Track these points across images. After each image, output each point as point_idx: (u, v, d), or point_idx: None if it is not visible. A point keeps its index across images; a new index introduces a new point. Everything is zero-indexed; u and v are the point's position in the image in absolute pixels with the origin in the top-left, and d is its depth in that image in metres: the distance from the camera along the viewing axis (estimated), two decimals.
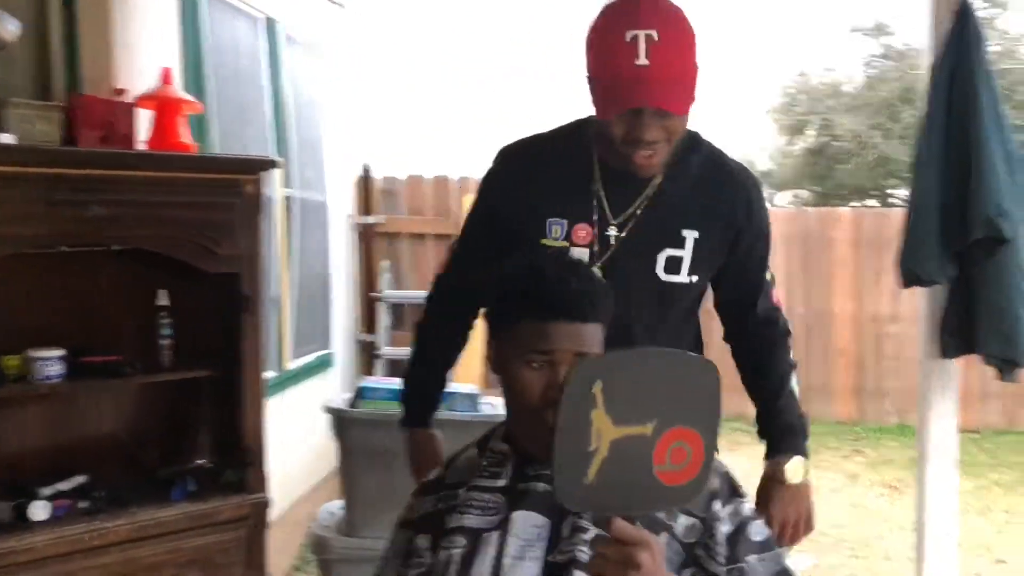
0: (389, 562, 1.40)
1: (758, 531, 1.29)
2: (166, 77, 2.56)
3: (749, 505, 1.31)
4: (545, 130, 1.73)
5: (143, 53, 2.82)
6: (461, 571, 1.24)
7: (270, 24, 3.93)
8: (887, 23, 17.54)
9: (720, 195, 1.63)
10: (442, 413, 2.70)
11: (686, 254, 1.60)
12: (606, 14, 1.50)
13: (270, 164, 2.62)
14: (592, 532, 1.21)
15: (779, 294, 1.77)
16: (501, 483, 1.30)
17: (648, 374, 1.03)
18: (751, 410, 1.77)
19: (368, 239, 5.34)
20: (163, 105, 2.52)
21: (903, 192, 19.00)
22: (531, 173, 1.66)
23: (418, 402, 1.93)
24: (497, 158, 1.72)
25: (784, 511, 1.67)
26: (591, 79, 1.52)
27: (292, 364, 4.13)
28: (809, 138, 18.81)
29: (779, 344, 1.74)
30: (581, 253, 1.59)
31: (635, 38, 1.43)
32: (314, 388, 4.53)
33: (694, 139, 1.65)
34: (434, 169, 5.50)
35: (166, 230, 2.34)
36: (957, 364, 2.57)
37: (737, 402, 1.73)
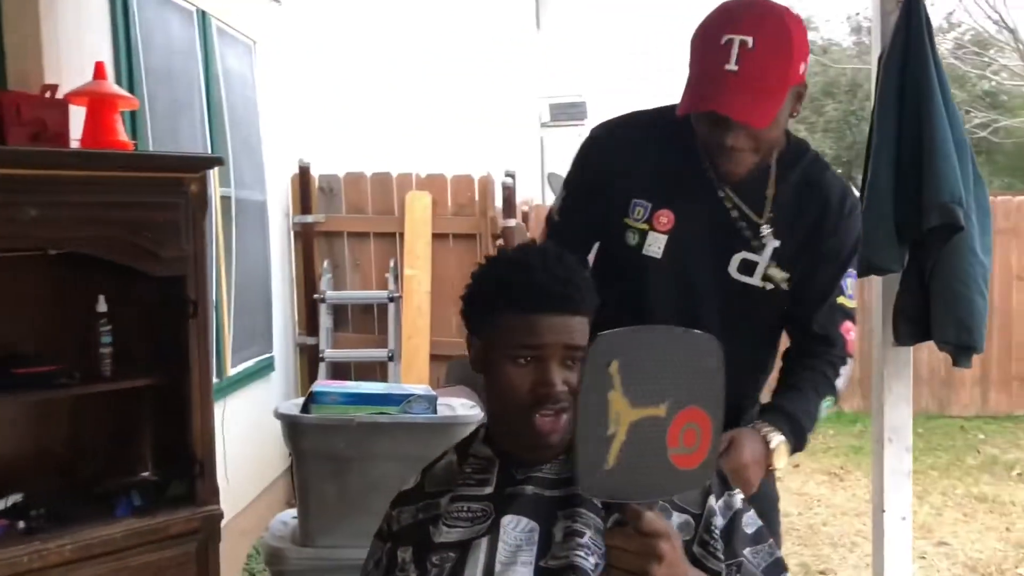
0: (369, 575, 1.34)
1: (750, 522, 1.26)
2: (99, 71, 2.44)
3: (740, 496, 1.28)
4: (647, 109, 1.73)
5: (73, 47, 2.68)
6: None
7: (203, 17, 3.79)
8: (809, 18, 18.02)
9: (815, 209, 1.61)
10: (398, 416, 2.65)
11: (762, 260, 1.60)
12: (714, 13, 1.50)
13: (215, 162, 2.52)
14: (588, 536, 1.17)
15: (854, 338, 1.69)
16: (488, 490, 1.24)
17: (659, 352, 0.99)
18: None
19: (307, 239, 5.21)
20: (97, 101, 2.39)
21: None
22: (628, 155, 1.64)
23: None
24: (598, 128, 1.71)
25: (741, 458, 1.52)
26: (688, 75, 1.51)
27: (233, 370, 4.00)
28: None
29: (826, 363, 1.65)
30: (658, 238, 1.59)
31: (730, 42, 1.42)
32: (256, 394, 4.41)
33: (799, 147, 1.65)
34: (375, 166, 5.39)
35: (105, 232, 2.23)
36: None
37: None
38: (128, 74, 3.05)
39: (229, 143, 4.05)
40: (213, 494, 2.43)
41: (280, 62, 4.99)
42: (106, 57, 2.88)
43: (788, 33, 1.46)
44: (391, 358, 5.06)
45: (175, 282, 2.35)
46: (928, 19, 2.41)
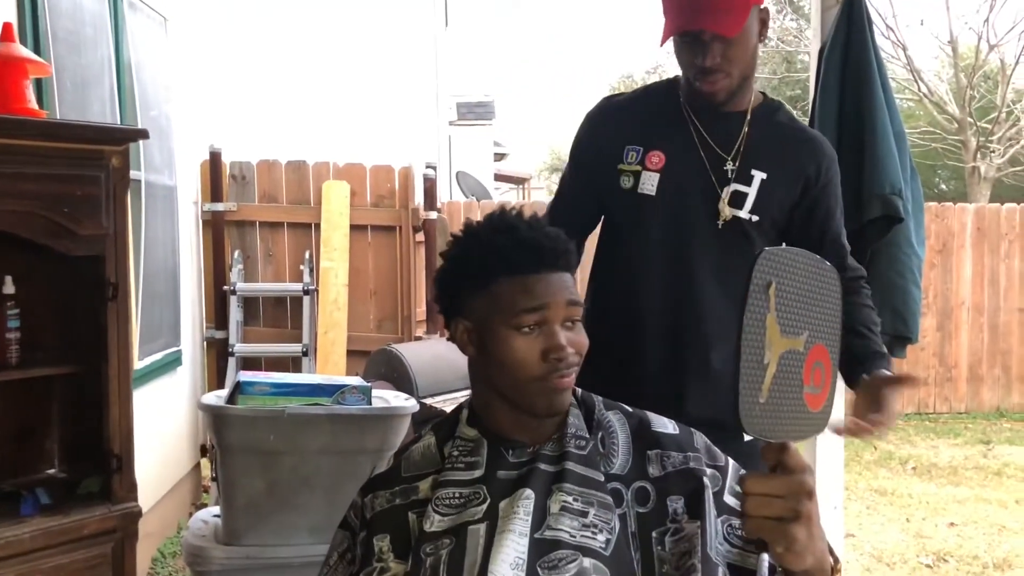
0: (335, 570, 1.24)
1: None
2: (7, 33, 2.24)
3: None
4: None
5: None
6: (451, 568, 1.10)
7: None
8: None
9: (798, 152, 1.74)
10: (332, 408, 2.54)
11: (751, 192, 1.69)
12: None
13: (139, 134, 2.37)
14: (592, 514, 1.11)
15: None
16: (477, 473, 1.17)
17: (803, 279, 0.92)
18: None
19: (217, 228, 4.99)
20: (6, 65, 2.19)
21: None
22: (621, 116, 1.80)
23: None
24: (600, 101, 1.87)
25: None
26: (663, 3, 1.67)
27: (140, 364, 3.78)
28: None
29: (856, 291, 1.79)
30: (651, 177, 1.71)
31: None
32: (162, 390, 4.18)
33: (775, 101, 1.82)
34: (290, 153, 5.20)
35: (16, 206, 2.04)
36: None
37: None
38: (34, 40, 2.83)
39: (140, 122, 3.83)
40: (131, 490, 2.27)
41: (193, 41, 4.77)
42: (10, 19, 2.66)
43: None
44: (305, 353, 4.89)
45: (93, 262, 2.18)
46: (868, 13, 2.45)
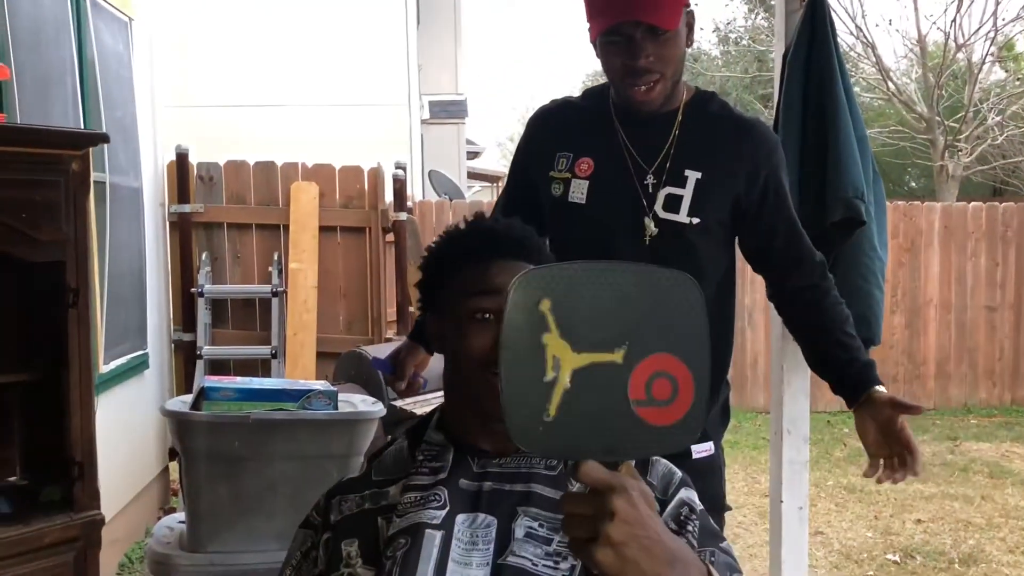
0: (299, 569, 1.22)
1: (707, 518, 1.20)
2: None
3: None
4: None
5: None
6: (403, 571, 1.09)
7: None
8: None
9: (735, 141, 1.68)
10: (297, 413, 2.52)
11: (687, 193, 1.64)
12: None
13: (99, 139, 2.34)
14: (556, 542, 1.09)
15: None
16: (441, 477, 1.16)
17: (610, 291, 0.86)
18: None
19: (184, 229, 4.94)
20: None
21: None
22: (555, 122, 1.78)
23: None
24: (531, 117, 1.86)
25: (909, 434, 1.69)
26: (586, 6, 1.61)
27: (105, 368, 3.74)
28: None
29: (825, 293, 1.81)
30: (580, 184, 1.67)
31: None
32: (129, 394, 4.14)
33: (707, 93, 1.76)
34: (257, 155, 5.16)
35: None
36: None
37: None
38: None
39: (104, 124, 3.79)
40: (93, 498, 2.25)
41: (158, 41, 4.72)
42: None
43: None
44: (274, 355, 4.86)
45: (53, 268, 2.16)
46: (831, 17, 2.47)
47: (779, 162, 1.74)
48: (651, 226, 1.64)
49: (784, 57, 2.53)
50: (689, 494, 1.18)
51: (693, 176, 1.65)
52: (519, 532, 1.10)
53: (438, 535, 1.10)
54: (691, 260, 1.64)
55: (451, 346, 1.18)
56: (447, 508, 1.13)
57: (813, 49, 2.43)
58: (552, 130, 1.77)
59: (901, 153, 13.15)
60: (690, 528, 1.14)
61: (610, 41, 1.60)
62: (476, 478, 1.16)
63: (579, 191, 1.68)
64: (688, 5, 1.64)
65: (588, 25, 1.64)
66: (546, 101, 1.86)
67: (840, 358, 1.74)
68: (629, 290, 0.87)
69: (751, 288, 7.28)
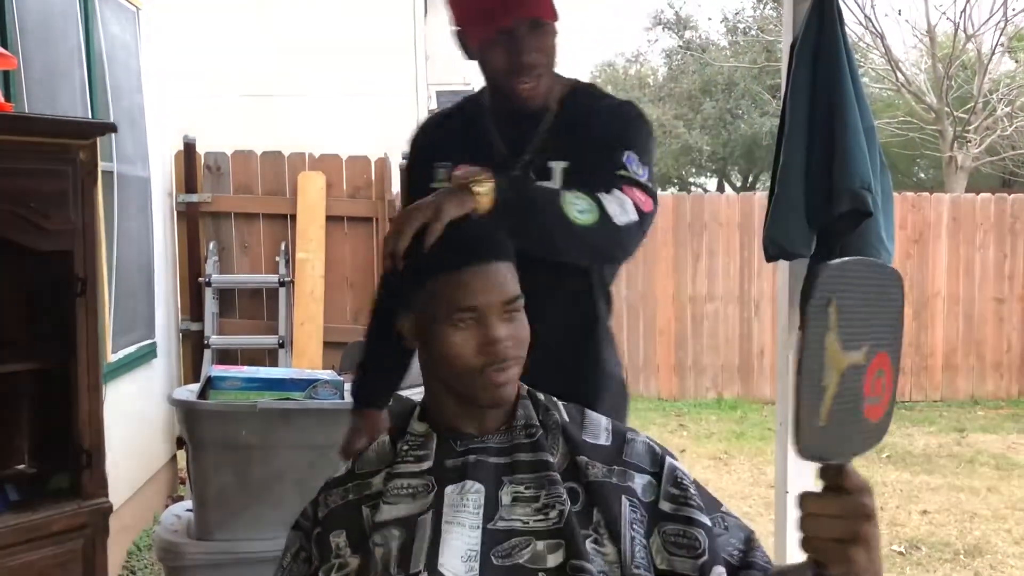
0: (290, 571, 1.24)
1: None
2: None
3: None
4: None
5: None
6: (401, 561, 1.11)
7: None
8: (688, 17, 18.51)
9: (604, 123, 1.63)
10: (304, 402, 2.53)
11: (555, 184, 1.59)
12: None
13: (107, 128, 2.35)
14: (544, 495, 1.13)
15: (642, 199, 1.56)
16: (427, 465, 1.19)
17: (861, 289, 0.86)
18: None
19: (192, 219, 4.95)
20: None
21: (702, 179, 20.19)
22: (435, 137, 1.77)
23: (373, 380, 1.90)
24: (413, 134, 1.83)
25: None
26: (460, 14, 1.58)
27: (113, 357, 3.76)
28: None
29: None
30: None
31: None
32: (137, 383, 4.16)
33: (584, 85, 1.73)
34: (265, 144, 5.17)
35: None
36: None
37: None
38: (1, 34, 2.80)
39: (111, 114, 3.80)
40: (101, 486, 2.26)
41: (166, 31, 4.72)
42: None
43: None
44: (281, 345, 4.88)
45: (61, 257, 2.17)
46: (839, 7, 2.45)
47: (643, 138, 1.65)
48: None
49: (792, 47, 2.52)
50: (677, 463, 1.23)
51: (559, 167, 1.61)
52: (506, 499, 1.14)
53: (429, 515, 1.13)
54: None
55: (437, 347, 1.19)
56: (434, 490, 1.15)
57: (821, 39, 2.42)
58: (432, 144, 1.76)
59: (910, 144, 13.09)
60: (693, 494, 1.18)
61: (494, 42, 1.58)
62: (460, 455, 1.19)
63: None
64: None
65: (459, 29, 1.61)
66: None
67: None
68: (873, 289, 0.87)
69: (757, 279, 7.27)
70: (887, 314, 0.89)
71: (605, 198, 1.47)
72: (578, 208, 1.43)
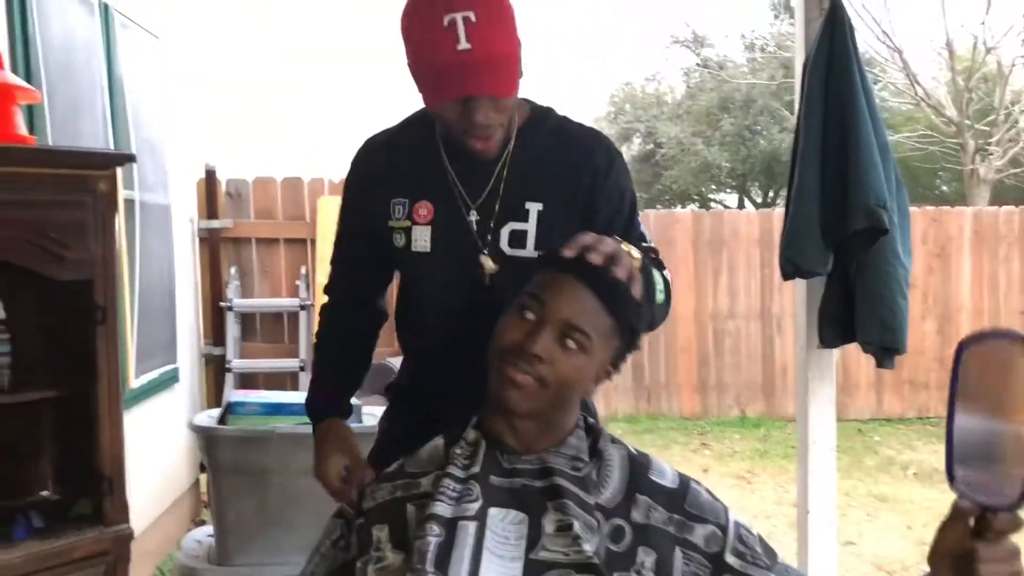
0: (326, 557, 1.28)
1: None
2: None
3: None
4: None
5: None
6: (439, 562, 1.13)
7: (106, 10, 3.60)
8: (705, 35, 18.55)
9: (567, 163, 1.56)
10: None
11: (530, 227, 1.54)
12: (417, 2, 1.44)
13: (126, 159, 2.39)
14: (577, 528, 1.13)
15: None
16: (475, 470, 1.21)
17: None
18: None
19: (213, 245, 5.01)
20: None
21: (722, 196, 20.14)
22: (383, 162, 1.63)
23: (325, 391, 1.80)
24: (355, 155, 1.69)
25: None
26: (414, 69, 1.46)
27: (136, 382, 3.79)
28: (635, 146, 19.59)
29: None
30: (422, 232, 1.56)
31: (453, 22, 1.37)
32: (160, 407, 4.20)
33: (543, 112, 1.63)
34: (284, 170, 5.24)
35: (5, 233, 2.06)
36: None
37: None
38: (25, 67, 2.86)
39: (133, 143, 3.86)
40: (122, 512, 2.27)
41: (186, 60, 4.79)
42: (1, 48, 2.69)
43: None
44: (303, 368, 4.90)
45: (81, 286, 2.20)
46: (851, 25, 2.46)
47: (614, 170, 1.60)
48: (488, 263, 1.55)
49: (804, 66, 2.53)
50: (740, 519, 1.25)
51: (535, 208, 1.55)
52: (548, 527, 1.16)
53: (472, 525, 1.15)
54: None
55: (498, 322, 1.25)
56: (480, 502, 1.18)
57: (833, 57, 2.43)
58: (381, 176, 1.62)
59: (931, 158, 13.00)
60: (759, 552, 1.20)
61: (458, 106, 1.47)
62: (506, 474, 1.21)
63: (422, 239, 1.57)
64: (519, 41, 1.49)
65: (418, 89, 1.50)
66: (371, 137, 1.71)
67: None
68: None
69: (779, 295, 7.23)
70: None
71: (668, 277, 1.50)
72: (659, 287, 1.45)
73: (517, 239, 1.54)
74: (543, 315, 1.19)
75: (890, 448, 6.46)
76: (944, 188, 17.11)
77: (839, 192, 2.37)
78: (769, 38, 17.11)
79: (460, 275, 1.56)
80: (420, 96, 1.49)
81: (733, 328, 7.41)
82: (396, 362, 3.77)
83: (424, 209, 1.56)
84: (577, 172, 1.56)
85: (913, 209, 7.43)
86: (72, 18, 3.34)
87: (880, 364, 2.51)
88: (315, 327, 5.07)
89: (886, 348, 2.45)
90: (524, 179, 1.55)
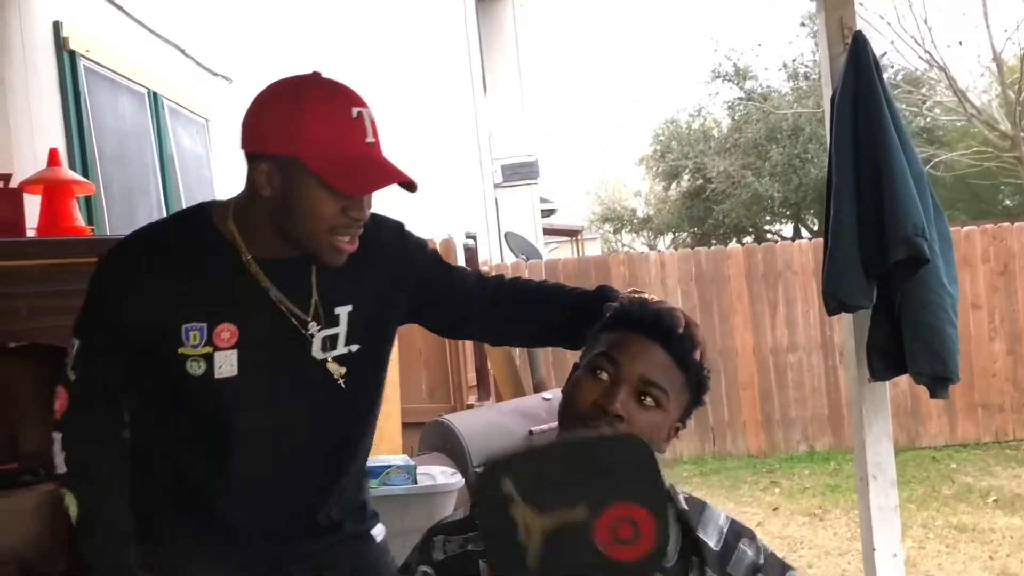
0: None
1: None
2: (53, 158, 2.40)
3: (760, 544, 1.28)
4: (157, 222, 1.60)
5: (24, 134, 2.65)
6: None
7: (155, 98, 3.77)
8: (747, 67, 18.53)
9: (366, 257, 1.50)
10: (377, 489, 2.58)
11: (341, 330, 1.50)
12: (319, 92, 1.40)
13: None
14: None
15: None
16: None
17: (565, 459, 1.05)
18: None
19: None
20: (52, 188, 2.35)
21: (777, 227, 19.94)
22: (160, 284, 1.43)
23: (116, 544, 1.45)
24: (107, 261, 1.48)
25: None
26: (310, 159, 1.36)
27: None
28: (684, 182, 19.55)
29: (522, 286, 1.67)
30: (228, 356, 1.42)
31: (360, 115, 1.39)
32: None
33: None
34: None
35: (66, 322, 2.14)
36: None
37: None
38: (82, 159, 3.02)
39: None
40: None
41: (235, 139, 4.96)
42: (58, 143, 2.84)
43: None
44: None
45: None
46: (875, 56, 2.46)
47: (409, 244, 1.63)
48: (336, 368, 1.50)
49: (831, 100, 2.54)
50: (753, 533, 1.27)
51: (344, 311, 1.50)
52: None
53: None
54: (363, 375, 1.53)
55: (567, 386, 1.26)
56: None
57: (859, 90, 2.43)
58: (160, 299, 1.42)
59: (989, 173, 12.73)
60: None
61: (340, 198, 1.38)
62: None
63: (227, 364, 1.42)
64: None
65: (318, 167, 1.37)
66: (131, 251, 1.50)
67: (570, 307, 1.58)
68: (583, 456, 1.06)
69: (839, 325, 7.10)
70: (614, 473, 1.04)
71: None
72: None
73: (330, 343, 1.49)
74: (618, 375, 1.20)
75: (967, 475, 6.25)
76: (1007, 203, 16.69)
77: (877, 224, 2.36)
78: (812, 66, 17.03)
79: (280, 392, 1.47)
80: (306, 188, 1.38)
81: (795, 361, 7.30)
82: (452, 419, 3.81)
83: (227, 332, 1.42)
84: (381, 261, 1.54)
85: (971, 227, 7.31)
86: (124, 108, 3.52)
87: (933, 394, 2.46)
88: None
89: (938, 378, 2.41)
90: (330, 283, 1.48)
